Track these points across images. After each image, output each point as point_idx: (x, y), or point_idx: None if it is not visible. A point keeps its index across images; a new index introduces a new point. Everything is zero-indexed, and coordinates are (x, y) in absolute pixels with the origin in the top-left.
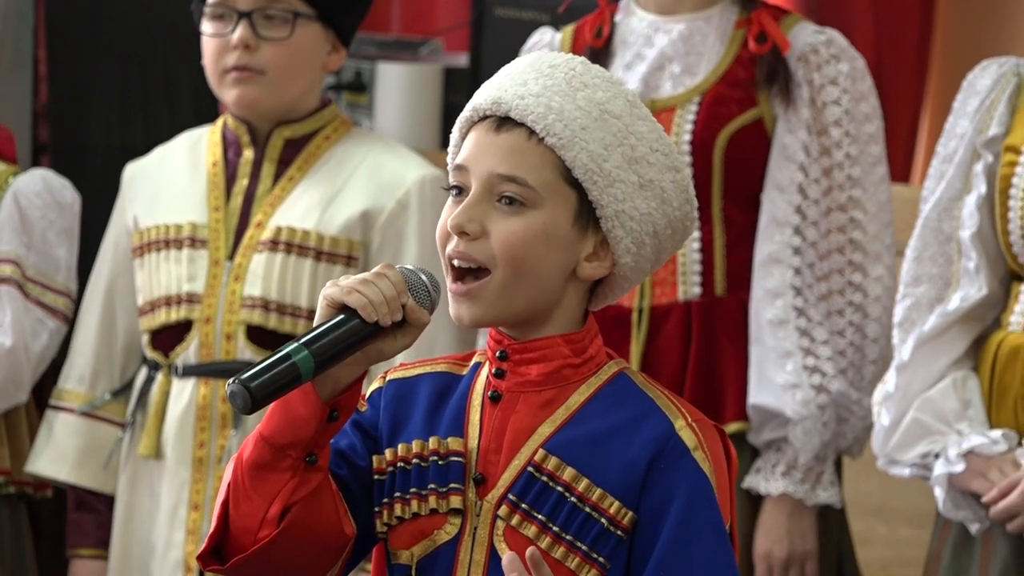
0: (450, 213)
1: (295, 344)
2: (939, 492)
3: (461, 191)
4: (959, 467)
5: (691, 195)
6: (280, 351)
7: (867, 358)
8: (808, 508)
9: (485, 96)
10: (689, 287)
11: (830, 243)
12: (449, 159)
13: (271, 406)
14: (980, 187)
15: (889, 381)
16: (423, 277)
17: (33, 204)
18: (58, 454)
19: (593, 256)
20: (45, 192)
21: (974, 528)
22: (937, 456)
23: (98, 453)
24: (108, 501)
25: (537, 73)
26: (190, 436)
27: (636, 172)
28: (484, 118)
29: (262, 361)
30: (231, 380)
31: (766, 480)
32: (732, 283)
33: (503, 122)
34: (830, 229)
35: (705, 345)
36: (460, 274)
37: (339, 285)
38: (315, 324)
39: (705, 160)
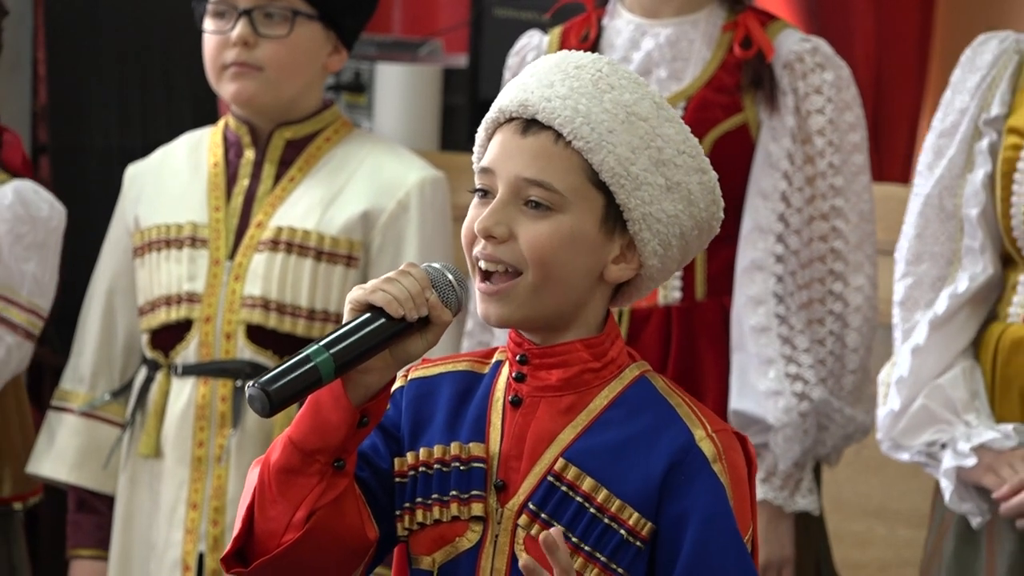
0: (475, 215)
1: (316, 346)
2: (946, 484)
3: (487, 193)
4: (970, 461)
5: (717, 195)
6: (300, 353)
7: (847, 368)
8: (786, 515)
9: (511, 98)
10: (669, 291)
11: (812, 252)
12: (475, 158)
13: (301, 411)
14: (986, 165)
15: (901, 364)
16: (449, 276)
17: (2, 218)
18: (58, 455)
19: (620, 258)
20: (17, 205)
21: (976, 521)
22: (943, 446)
23: (98, 453)
24: (108, 501)
25: (563, 74)
26: (189, 435)
27: (663, 175)
28: (510, 120)
29: (281, 364)
30: (250, 383)
31: None
32: (712, 288)
33: (530, 125)
34: (812, 238)
35: (685, 349)
36: (487, 275)
37: (363, 288)
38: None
39: None
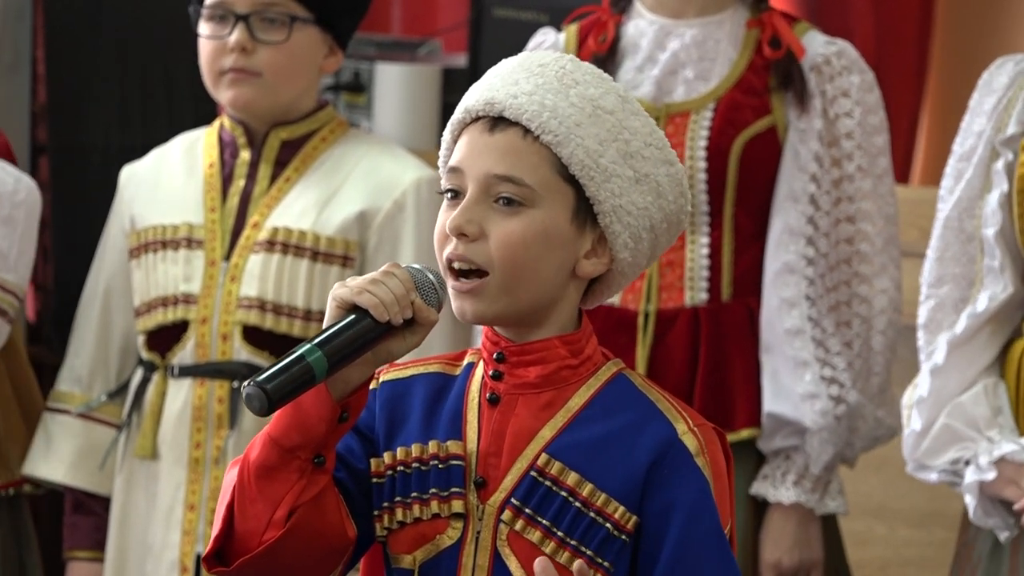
0: (447, 216)
1: (308, 345)
2: (970, 500)
3: (457, 194)
4: (991, 475)
5: (685, 188)
6: (293, 352)
7: (872, 370)
8: (815, 518)
9: (476, 97)
10: (696, 292)
11: (838, 254)
12: (440, 162)
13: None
14: (1002, 185)
15: (922, 385)
16: (430, 276)
17: None
18: (54, 456)
19: (591, 253)
20: None
21: (1003, 536)
22: (967, 463)
23: (94, 455)
24: (105, 503)
25: (527, 72)
26: (186, 437)
27: (631, 167)
28: (476, 119)
29: (276, 363)
30: (246, 383)
31: (775, 488)
32: (738, 289)
33: (497, 122)
34: (838, 240)
35: (714, 351)
36: (459, 274)
37: (348, 286)
38: (325, 325)
39: (720, 166)
